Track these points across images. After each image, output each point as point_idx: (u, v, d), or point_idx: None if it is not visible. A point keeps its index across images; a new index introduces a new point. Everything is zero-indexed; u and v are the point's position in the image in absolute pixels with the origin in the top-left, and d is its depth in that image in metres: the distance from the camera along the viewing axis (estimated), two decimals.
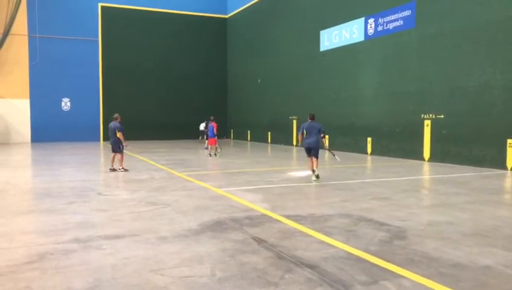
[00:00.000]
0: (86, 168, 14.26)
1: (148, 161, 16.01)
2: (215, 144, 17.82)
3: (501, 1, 13.53)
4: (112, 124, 12.94)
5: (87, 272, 4.39)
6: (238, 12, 32.08)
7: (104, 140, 29.80)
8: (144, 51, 31.30)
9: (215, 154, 17.88)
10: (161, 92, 31.71)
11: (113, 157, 12.94)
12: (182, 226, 6.22)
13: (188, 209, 7.48)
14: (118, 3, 30.62)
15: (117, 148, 12.84)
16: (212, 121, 18.13)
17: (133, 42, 30.99)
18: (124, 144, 12.83)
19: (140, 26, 31.15)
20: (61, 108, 29.63)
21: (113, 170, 12.79)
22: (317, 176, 10.84)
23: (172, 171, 12.89)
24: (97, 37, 30.17)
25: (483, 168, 13.69)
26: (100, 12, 30.19)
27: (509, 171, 13.10)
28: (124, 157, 13.27)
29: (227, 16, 33.91)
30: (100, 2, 30.21)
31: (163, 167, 14.02)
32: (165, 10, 31.90)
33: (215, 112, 31.92)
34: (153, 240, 5.54)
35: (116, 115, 13.24)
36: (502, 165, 13.42)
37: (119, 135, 12.72)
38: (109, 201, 8.27)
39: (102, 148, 24.19)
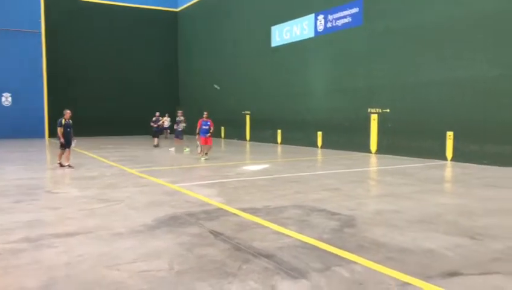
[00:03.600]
0: (33, 165, 13.67)
1: (98, 158, 15.57)
2: (210, 143, 15.03)
3: (443, 2, 14.29)
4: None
5: (39, 271, 4.28)
6: (189, 6, 31.72)
7: (50, 137, 28.59)
8: (91, 45, 30.25)
9: (205, 154, 14.94)
10: (110, 87, 30.82)
11: (63, 154, 12.69)
12: (137, 222, 6.16)
13: (142, 205, 7.40)
14: None
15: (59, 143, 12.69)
16: (207, 117, 15.17)
17: (79, 35, 29.88)
18: (61, 140, 12.47)
19: (86, 19, 30.06)
20: (1, 103, 28.09)
21: (68, 166, 12.54)
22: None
23: (124, 168, 12.63)
24: (40, 29, 28.80)
25: (426, 159, 14.46)
26: (43, 4, 28.82)
27: (449, 162, 13.92)
28: (70, 153, 12.88)
29: (177, 10, 33.45)
30: None
31: (114, 164, 13.71)
32: (112, 2, 30.97)
33: (166, 107, 31.49)
34: (107, 236, 5.46)
35: (64, 111, 12.71)
36: (442, 156, 14.24)
37: (58, 130, 12.48)
38: (59, 199, 8.01)
39: (48, 145, 23.21)
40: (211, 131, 14.75)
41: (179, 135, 18.77)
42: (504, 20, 12.58)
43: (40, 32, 28.75)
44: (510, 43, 12.50)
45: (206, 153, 14.90)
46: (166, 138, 25.30)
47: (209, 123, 14.84)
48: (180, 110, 20.59)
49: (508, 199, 8.01)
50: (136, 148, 20.64)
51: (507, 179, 10.37)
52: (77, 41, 29.81)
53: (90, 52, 30.17)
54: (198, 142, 15.26)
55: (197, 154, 15.32)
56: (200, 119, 15.02)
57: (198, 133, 14.96)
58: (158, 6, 32.74)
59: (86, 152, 17.71)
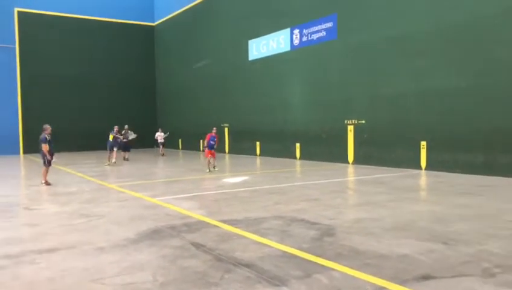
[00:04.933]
0: (9, 182, 13.44)
1: (76, 173, 15.42)
2: (214, 156, 15.45)
3: (414, 16, 14.82)
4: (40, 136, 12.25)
5: (21, 287, 4.30)
6: (165, 20, 31.85)
7: (24, 153, 28.05)
8: (68, 59, 29.94)
9: (214, 167, 15.46)
10: (87, 102, 30.49)
11: (48, 171, 12.31)
12: (119, 236, 6.20)
13: (123, 219, 7.42)
14: (38, 9, 29.10)
15: (42, 161, 12.27)
16: (215, 132, 15.58)
17: (55, 50, 29.55)
18: (48, 157, 12.08)
19: (62, 34, 29.79)
20: None
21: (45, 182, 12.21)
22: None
23: (103, 183, 12.57)
24: (14, 43, 28.41)
25: (402, 169, 14.84)
26: (17, 18, 28.50)
27: (423, 171, 14.33)
28: (48, 171, 12.52)
29: (154, 24, 33.54)
30: (17, 7, 28.53)
31: (93, 179, 13.61)
32: (88, 17, 30.83)
33: (144, 121, 31.45)
34: (90, 251, 5.49)
35: (44, 126, 12.33)
36: (417, 165, 14.65)
37: (43, 147, 12.08)
38: (39, 215, 7.96)
39: (23, 161, 22.79)
40: (215, 146, 15.38)
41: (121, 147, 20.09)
42: (472, 33, 13.14)
43: (14, 47, 28.38)
44: (477, 56, 13.04)
45: (214, 167, 15.49)
46: (163, 154, 24.34)
47: (215, 139, 15.35)
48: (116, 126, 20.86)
49: (479, 205, 8.34)
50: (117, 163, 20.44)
51: (478, 187, 10.76)
52: (52, 56, 29.48)
53: (65, 67, 29.87)
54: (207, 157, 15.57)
55: (211, 167, 15.40)
56: (209, 134, 15.37)
57: (207, 147, 15.33)
58: (135, 20, 32.76)
59: (63, 168, 17.50)
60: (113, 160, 19.12)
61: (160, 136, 24.75)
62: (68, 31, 30.03)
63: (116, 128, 20.35)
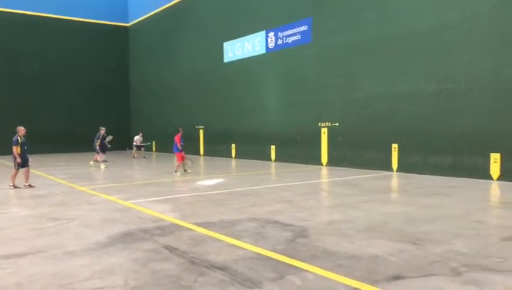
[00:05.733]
0: None
1: (46, 176, 15.06)
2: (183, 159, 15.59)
3: (385, 21, 15.11)
4: None
5: None
6: (140, 21, 31.48)
7: None
8: (40, 59, 29.17)
9: (185, 170, 15.75)
10: (58, 103, 29.78)
11: (17, 174, 11.94)
12: (90, 240, 6.08)
13: (95, 222, 7.29)
14: (5, 7, 28.26)
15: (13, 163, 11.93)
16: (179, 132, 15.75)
17: (24, 49, 28.72)
18: (17, 159, 11.73)
19: (34, 33, 28.99)
20: None
21: (29, 186, 11.92)
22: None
23: (74, 185, 12.31)
24: None
25: (374, 171, 15.09)
26: None
27: (394, 172, 14.62)
28: (29, 173, 12.15)
29: (128, 25, 33.09)
30: None
31: (63, 181, 13.32)
32: (60, 16, 30.16)
33: (117, 122, 30.94)
34: (60, 255, 5.36)
35: (18, 127, 11.91)
36: (389, 167, 14.93)
37: (13, 149, 11.70)
38: (6, 218, 7.72)
39: None
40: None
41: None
42: (440, 38, 13.49)
43: None
44: (444, 60, 13.40)
45: (185, 170, 15.65)
46: (144, 157, 24.04)
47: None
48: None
49: (448, 206, 8.56)
50: (87, 165, 20.08)
51: (447, 188, 11.05)
52: (21, 56, 28.69)
53: (35, 67, 29.10)
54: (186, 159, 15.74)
55: (186, 168, 15.82)
56: (177, 136, 15.42)
57: (182, 150, 15.37)
58: (108, 21, 32.24)
59: (33, 170, 16.98)
60: (101, 160, 19.12)
61: (139, 140, 24.37)
62: (39, 30, 29.27)
63: (102, 130, 19.96)
